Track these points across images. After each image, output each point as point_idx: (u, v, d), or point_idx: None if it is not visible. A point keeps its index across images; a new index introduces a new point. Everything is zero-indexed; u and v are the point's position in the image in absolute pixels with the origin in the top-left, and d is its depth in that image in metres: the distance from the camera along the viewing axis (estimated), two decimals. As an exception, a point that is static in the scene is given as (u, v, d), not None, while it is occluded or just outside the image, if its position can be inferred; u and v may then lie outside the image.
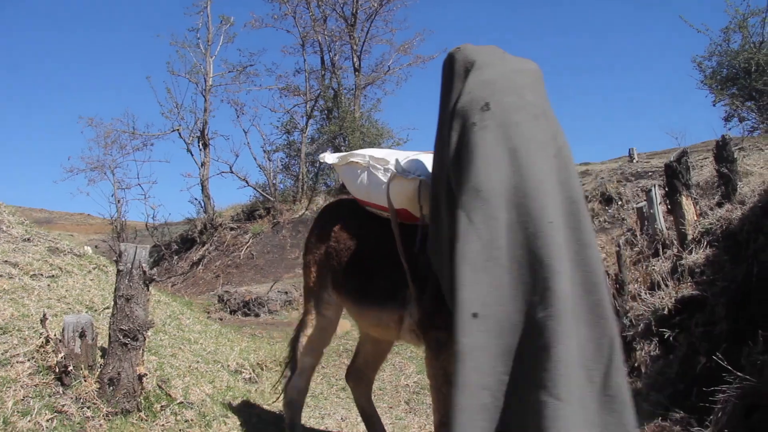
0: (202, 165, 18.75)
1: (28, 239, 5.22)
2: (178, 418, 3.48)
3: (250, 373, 4.91)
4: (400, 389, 5.26)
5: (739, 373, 3.59)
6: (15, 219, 5.78)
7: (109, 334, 3.30)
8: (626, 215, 10.39)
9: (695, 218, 6.12)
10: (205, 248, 17.66)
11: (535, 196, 2.03)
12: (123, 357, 3.30)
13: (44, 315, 3.32)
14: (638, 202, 10.02)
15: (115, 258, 3.37)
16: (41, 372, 3.19)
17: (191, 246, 18.44)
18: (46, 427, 2.90)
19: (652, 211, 7.82)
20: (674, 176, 6.22)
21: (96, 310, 4.33)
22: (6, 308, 3.73)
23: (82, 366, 3.30)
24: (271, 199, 17.99)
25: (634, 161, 13.42)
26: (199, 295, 14.21)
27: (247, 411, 4.01)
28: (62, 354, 3.23)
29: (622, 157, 25.87)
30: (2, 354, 3.25)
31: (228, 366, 4.71)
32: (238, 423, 3.76)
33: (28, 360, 3.24)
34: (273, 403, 4.41)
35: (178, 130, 18.57)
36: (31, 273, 4.43)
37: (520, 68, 2.48)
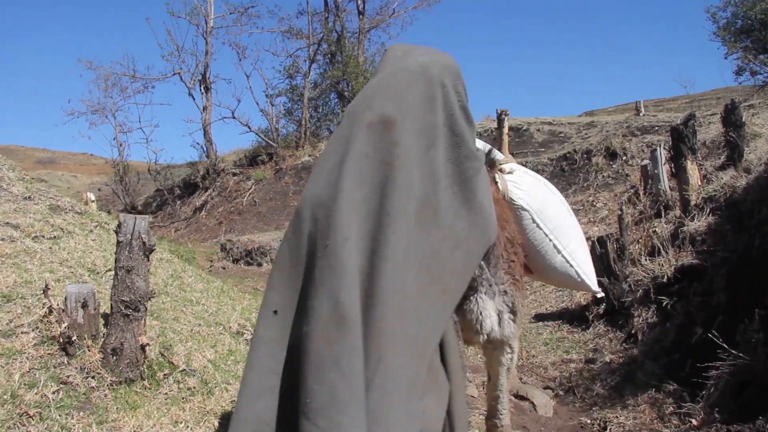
0: (204, 109, 18.61)
1: (29, 197, 5.21)
2: (181, 386, 3.54)
3: (253, 334, 4.96)
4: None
5: (733, 351, 3.63)
6: (15, 175, 5.75)
7: (111, 306, 3.33)
8: (630, 171, 10.35)
9: (699, 183, 6.08)
10: (207, 194, 17.70)
11: (334, 210, 2.07)
12: (125, 328, 3.33)
13: (46, 285, 3.34)
14: (643, 159, 9.95)
15: (117, 224, 3.36)
16: (46, 342, 3.23)
17: (194, 191, 18.48)
18: (53, 399, 2.95)
19: (656, 171, 7.78)
20: (680, 140, 6.15)
21: (98, 273, 4.36)
22: (9, 275, 3.76)
23: (86, 336, 3.34)
24: (274, 144, 17.90)
25: (641, 114, 13.25)
26: (202, 242, 14.33)
27: (248, 376, 4.08)
28: (65, 324, 3.27)
29: (629, 105, 25.57)
30: (7, 324, 3.29)
31: (230, 328, 4.77)
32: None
33: (33, 330, 3.28)
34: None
35: (179, 73, 18.36)
36: (33, 235, 4.44)
37: (399, 69, 2.39)
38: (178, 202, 18.37)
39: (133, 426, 3.06)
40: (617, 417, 3.99)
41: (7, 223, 4.44)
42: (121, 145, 20.66)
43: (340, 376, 1.92)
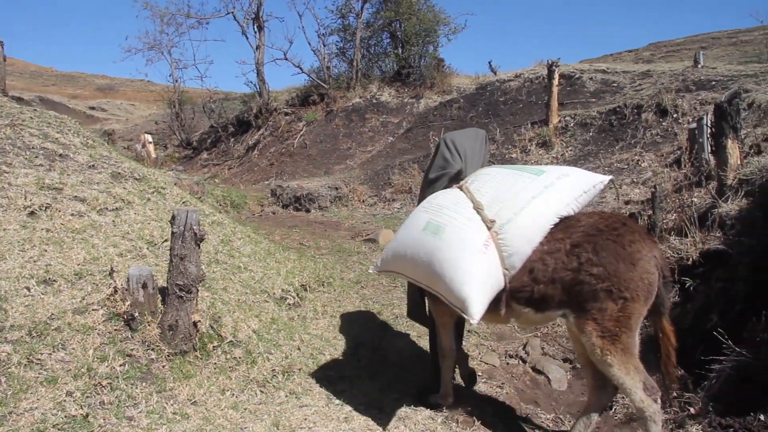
0: (257, 48, 18.85)
1: (93, 165, 5.69)
2: (228, 356, 4.03)
3: (294, 298, 5.42)
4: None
5: (736, 348, 3.85)
6: (80, 140, 6.24)
7: (167, 288, 3.78)
8: (679, 131, 10.21)
9: (738, 163, 6.10)
10: (260, 133, 18.14)
11: None
12: (180, 307, 3.80)
13: (111, 268, 3.81)
14: (693, 119, 9.81)
15: (169, 220, 3.77)
16: (112, 319, 3.72)
17: (247, 129, 18.94)
18: (120, 371, 3.45)
19: (701, 140, 7.74)
20: (723, 117, 6.15)
21: (155, 245, 4.83)
22: (79, 252, 4.25)
23: (146, 312, 3.82)
24: (325, 85, 18.06)
25: (700, 66, 12.85)
26: (254, 183, 14.86)
27: (288, 344, 4.54)
28: (129, 302, 3.76)
29: (699, 36, 24.40)
30: (80, 301, 3.78)
31: (274, 294, 5.23)
32: (280, 358, 4.29)
33: (101, 308, 3.76)
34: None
35: (232, 12, 18.55)
36: (98, 208, 4.92)
37: None
38: (232, 139, 18.90)
39: (186, 394, 3.56)
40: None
41: (75, 196, 4.93)
42: (176, 81, 21.25)
43: None
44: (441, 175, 4.09)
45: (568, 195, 3.50)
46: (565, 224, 3.47)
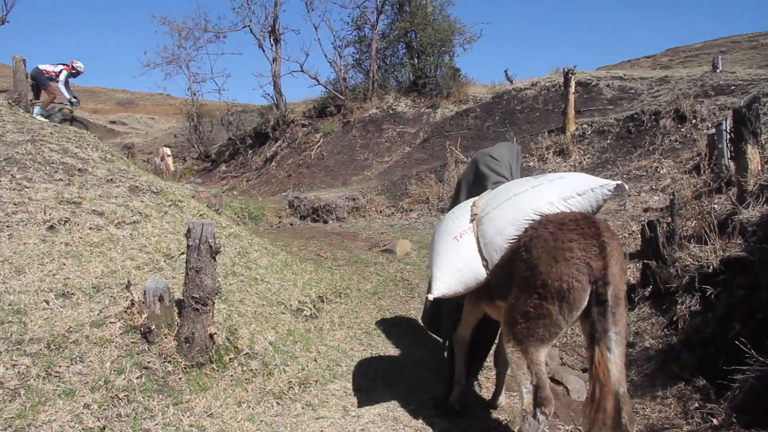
0: (273, 61, 19.00)
1: (111, 179, 5.76)
2: (244, 368, 4.03)
3: (311, 309, 5.43)
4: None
5: (760, 357, 3.78)
6: (99, 155, 6.32)
7: (183, 301, 3.80)
8: (698, 136, 10.10)
9: (759, 168, 6.02)
10: (277, 145, 18.26)
11: None
12: (196, 320, 3.82)
13: (128, 282, 3.83)
14: (712, 125, 9.70)
15: (185, 234, 3.80)
16: (129, 332, 3.74)
17: (264, 141, 19.07)
18: (137, 384, 3.47)
19: (720, 145, 7.65)
20: (742, 123, 6.09)
21: (173, 258, 4.87)
22: (97, 265, 4.30)
23: (163, 325, 3.84)
24: (342, 97, 18.15)
25: (718, 71, 12.73)
26: (272, 195, 14.94)
27: (305, 356, 4.54)
28: (145, 315, 3.78)
29: (718, 41, 24.18)
30: (98, 314, 3.81)
31: (290, 306, 5.24)
32: (296, 370, 4.29)
33: (119, 320, 3.79)
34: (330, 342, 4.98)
35: (249, 25, 18.73)
36: (116, 222, 4.97)
37: None
38: (250, 151, 19.03)
39: (203, 407, 3.56)
40: (644, 408, 4.24)
41: (94, 210, 4.99)
42: (194, 94, 21.47)
43: None
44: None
45: (552, 194, 3.47)
46: (540, 219, 3.40)
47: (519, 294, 3.20)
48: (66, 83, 13.27)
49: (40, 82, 12.89)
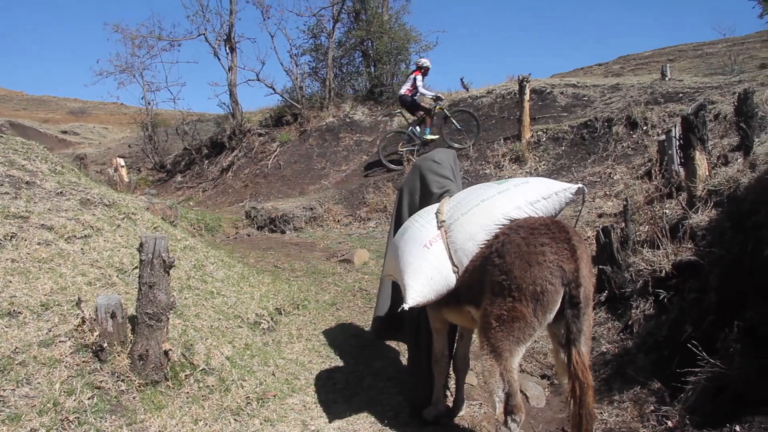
0: (229, 70, 18.78)
1: (61, 192, 5.59)
2: (201, 385, 3.95)
3: (269, 322, 5.36)
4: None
5: (710, 359, 3.88)
6: (48, 167, 6.13)
7: (136, 317, 3.71)
8: (649, 143, 10.35)
9: (707, 174, 6.19)
10: (234, 154, 18.03)
11: None
12: (150, 336, 3.72)
13: (79, 299, 3.72)
14: (662, 131, 9.95)
15: (137, 248, 3.70)
16: (80, 351, 3.63)
17: (221, 151, 18.81)
18: (88, 405, 3.36)
19: (670, 152, 7.85)
20: (690, 130, 6.24)
21: (125, 272, 4.75)
22: (46, 282, 4.15)
23: (115, 342, 3.73)
24: (298, 105, 18.05)
25: (667, 79, 13.09)
26: (229, 205, 14.75)
27: (262, 370, 4.47)
28: (97, 333, 3.67)
29: (666, 49, 24.79)
30: (47, 333, 3.68)
31: (247, 319, 5.16)
32: (254, 385, 4.22)
33: (69, 339, 3.67)
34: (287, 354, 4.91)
35: (204, 34, 18.50)
36: (66, 236, 4.82)
37: None
38: (206, 161, 18.73)
39: (158, 426, 3.47)
40: (601, 413, 4.29)
41: (42, 225, 4.83)
42: (149, 104, 21.09)
43: None
44: (445, 192, 4.27)
45: (519, 199, 3.57)
46: (510, 224, 3.50)
47: (493, 299, 3.26)
48: (423, 86, 13.78)
49: (407, 107, 13.96)
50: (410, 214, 4.32)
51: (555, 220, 3.49)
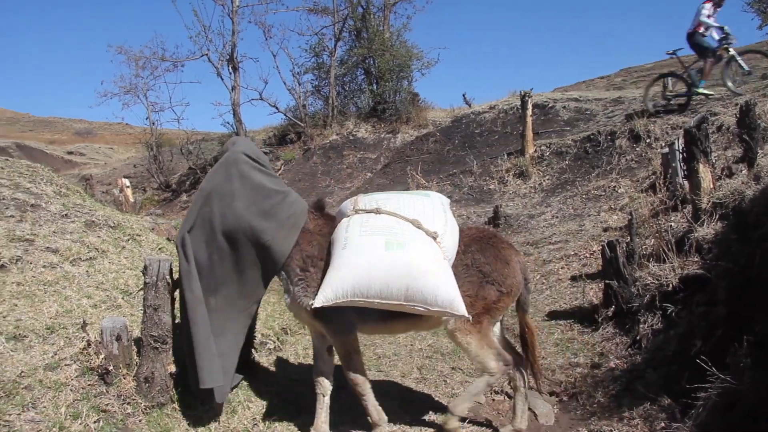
0: (232, 89, 18.92)
1: (66, 215, 5.61)
2: (207, 407, 3.91)
3: (275, 342, 5.33)
4: (414, 354, 5.66)
5: (720, 374, 3.83)
6: (53, 189, 6.15)
7: (142, 339, 3.70)
8: (653, 156, 10.33)
9: (711, 186, 6.17)
10: (238, 173, 18.04)
11: None
12: (155, 359, 3.71)
13: (84, 322, 3.71)
14: (665, 143, 9.94)
15: (141, 270, 3.70)
16: (86, 374, 3.61)
17: (225, 170, 18.83)
18: (94, 428, 3.34)
19: (674, 164, 7.84)
20: (693, 142, 6.24)
21: (131, 294, 4.74)
22: (51, 305, 4.15)
23: (121, 365, 3.72)
24: (302, 124, 18.13)
25: (669, 91, 13.08)
26: (234, 224, 14.72)
27: (269, 391, 4.44)
28: (103, 356, 3.65)
29: (667, 61, 24.80)
30: (52, 357, 3.67)
31: (254, 338, 5.12)
32: (261, 406, 4.19)
33: (74, 362, 3.65)
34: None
35: (206, 54, 18.65)
36: (71, 259, 4.83)
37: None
38: (211, 181, 18.78)
39: (164, 450, 3.45)
40: (611, 430, 4.25)
41: (48, 247, 4.84)
42: (153, 124, 21.23)
43: None
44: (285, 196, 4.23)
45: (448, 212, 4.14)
46: (470, 235, 4.22)
47: (477, 298, 3.91)
48: (708, 15, 11.21)
49: (695, 49, 11.62)
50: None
51: (485, 229, 4.75)
